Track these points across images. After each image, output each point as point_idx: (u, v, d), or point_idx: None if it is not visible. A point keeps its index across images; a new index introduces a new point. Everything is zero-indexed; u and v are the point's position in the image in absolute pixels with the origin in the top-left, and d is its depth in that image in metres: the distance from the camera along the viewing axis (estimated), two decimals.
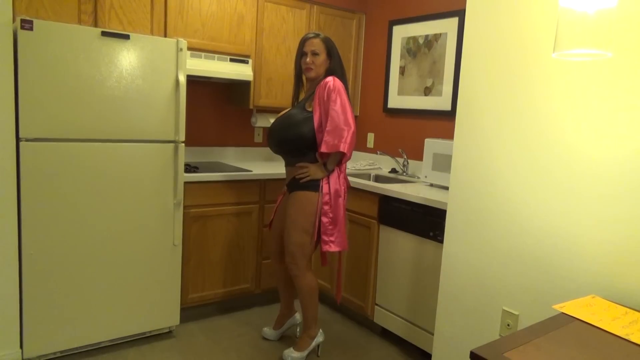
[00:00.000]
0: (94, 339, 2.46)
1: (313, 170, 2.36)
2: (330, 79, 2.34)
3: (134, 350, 2.54)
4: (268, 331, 2.76)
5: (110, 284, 2.46)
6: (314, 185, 2.36)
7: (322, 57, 2.38)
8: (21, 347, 2.28)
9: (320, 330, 2.60)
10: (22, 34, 2.10)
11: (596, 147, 1.52)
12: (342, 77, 2.41)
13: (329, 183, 2.37)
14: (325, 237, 2.37)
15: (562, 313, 1.32)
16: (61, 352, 2.40)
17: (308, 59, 2.38)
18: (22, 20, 2.09)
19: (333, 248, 2.38)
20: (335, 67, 2.41)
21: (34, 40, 2.13)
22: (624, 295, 1.47)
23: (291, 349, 2.52)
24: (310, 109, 2.39)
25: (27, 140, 2.18)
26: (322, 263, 2.66)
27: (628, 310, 1.36)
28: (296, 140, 2.37)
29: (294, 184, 2.42)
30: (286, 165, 2.50)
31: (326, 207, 2.36)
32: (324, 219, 2.36)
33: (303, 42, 2.42)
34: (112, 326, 2.50)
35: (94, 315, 2.43)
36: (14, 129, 2.15)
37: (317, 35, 2.40)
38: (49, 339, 2.33)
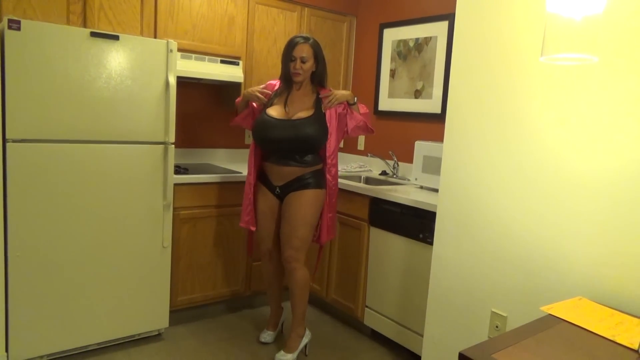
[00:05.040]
0: (82, 342, 2.43)
1: (340, 94, 2.46)
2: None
3: (122, 354, 2.52)
4: (266, 335, 2.74)
5: (98, 287, 2.43)
6: (321, 183, 2.47)
7: (310, 62, 2.42)
8: (7, 350, 2.25)
9: (307, 330, 2.61)
10: (9, 34, 2.08)
11: (578, 153, 1.54)
12: (325, 80, 2.54)
13: (330, 176, 2.50)
14: (328, 230, 2.56)
15: (550, 315, 1.33)
16: (48, 355, 2.37)
17: (297, 66, 2.39)
18: (9, 20, 2.07)
19: (332, 237, 2.59)
20: (322, 72, 2.49)
21: (21, 40, 2.10)
22: (610, 297, 1.49)
23: (282, 352, 2.51)
24: (324, 112, 2.47)
25: (14, 141, 2.15)
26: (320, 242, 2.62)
27: (614, 311, 1.38)
28: (321, 139, 2.43)
29: (296, 184, 2.43)
30: (283, 166, 2.43)
31: (330, 199, 2.52)
32: (330, 214, 2.54)
33: (292, 46, 2.40)
34: (100, 329, 2.47)
35: (81, 318, 2.41)
36: (1, 130, 2.13)
37: (306, 40, 2.40)
38: (36, 342, 2.30)
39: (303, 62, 2.39)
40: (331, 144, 2.47)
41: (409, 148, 3.27)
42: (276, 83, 2.57)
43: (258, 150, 2.57)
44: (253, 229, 2.59)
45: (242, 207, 2.60)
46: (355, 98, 2.53)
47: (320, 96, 2.49)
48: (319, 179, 2.47)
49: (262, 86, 2.57)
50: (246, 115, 2.62)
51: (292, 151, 2.41)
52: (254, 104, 2.56)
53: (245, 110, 2.61)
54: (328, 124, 2.46)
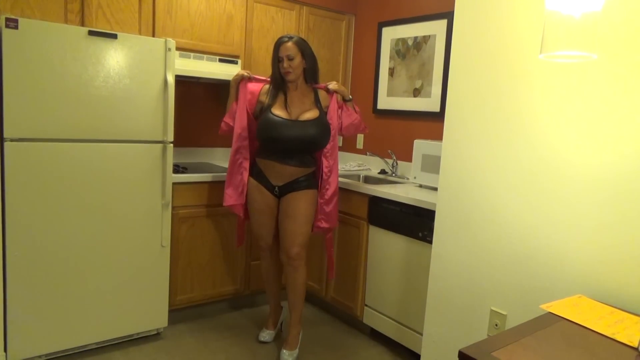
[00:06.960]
0: (81, 342, 2.43)
1: (342, 88, 2.57)
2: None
3: (121, 353, 2.51)
4: (265, 334, 2.75)
5: (97, 286, 2.43)
6: (316, 183, 2.55)
7: (298, 59, 2.43)
8: (5, 350, 2.24)
9: None
10: (7, 33, 2.07)
11: (577, 150, 1.54)
12: (318, 75, 2.56)
13: (326, 175, 2.54)
14: (318, 215, 2.57)
15: (549, 313, 1.33)
16: (47, 355, 2.36)
17: (285, 64, 2.42)
18: (7, 19, 2.06)
19: (324, 224, 2.57)
20: (313, 68, 2.51)
21: (19, 39, 2.10)
22: (609, 295, 1.48)
23: (284, 351, 2.53)
24: (325, 110, 2.54)
25: (12, 140, 2.14)
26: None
27: (614, 309, 1.38)
28: (327, 140, 2.50)
29: (295, 184, 2.48)
30: (286, 165, 2.44)
31: (323, 187, 2.55)
32: (320, 200, 2.56)
33: (278, 46, 2.44)
34: (99, 328, 2.47)
35: (80, 317, 2.40)
36: None
37: (290, 39, 2.43)
38: (35, 342, 2.30)
39: (290, 59, 2.41)
40: (331, 138, 2.55)
41: (408, 147, 3.27)
42: (266, 80, 2.59)
43: (252, 147, 2.58)
44: (242, 215, 2.62)
45: (231, 188, 2.56)
46: (350, 95, 2.60)
47: (324, 86, 2.55)
48: (315, 179, 2.55)
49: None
50: (234, 113, 2.56)
51: (297, 151, 2.45)
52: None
53: (233, 106, 2.57)
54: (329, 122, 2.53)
